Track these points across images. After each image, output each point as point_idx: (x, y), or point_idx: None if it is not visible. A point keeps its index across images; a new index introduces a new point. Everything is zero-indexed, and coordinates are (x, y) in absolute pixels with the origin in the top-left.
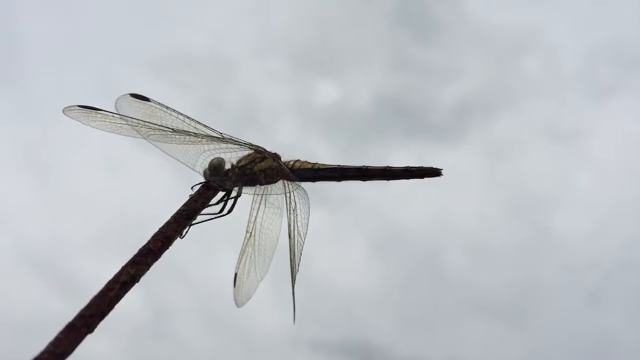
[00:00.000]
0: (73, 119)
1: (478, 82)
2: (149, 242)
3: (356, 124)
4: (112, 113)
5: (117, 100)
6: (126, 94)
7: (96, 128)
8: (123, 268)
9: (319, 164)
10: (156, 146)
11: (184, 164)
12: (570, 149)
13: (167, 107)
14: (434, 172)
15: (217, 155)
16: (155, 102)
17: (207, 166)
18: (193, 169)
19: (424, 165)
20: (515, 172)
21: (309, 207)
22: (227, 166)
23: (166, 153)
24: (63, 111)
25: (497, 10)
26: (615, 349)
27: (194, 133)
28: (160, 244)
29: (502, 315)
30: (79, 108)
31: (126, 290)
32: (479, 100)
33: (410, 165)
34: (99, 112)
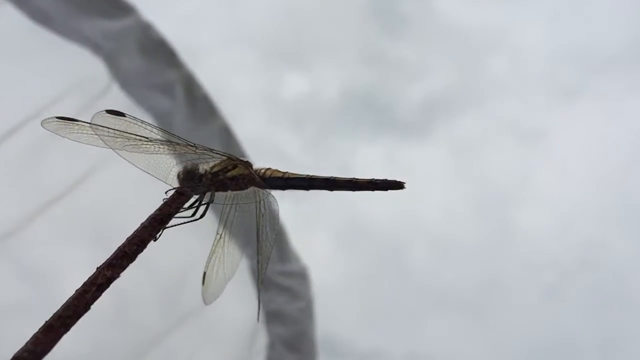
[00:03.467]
0: (51, 131)
1: (445, 80)
2: (124, 246)
3: (324, 117)
4: (89, 124)
5: (93, 117)
6: (102, 111)
7: (74, 140)
8: (99, 270)
9: (289, 173)
10: (130, 161)
11: (157, 177)
12: (534, 149)
13: (142, 121)
14: (397, 185)
15: (190, 162)
16: (130, 116)
17: (181, 172)
18: (165, 182)
19: (388, 179)
20: (479, 170)
21: (278, 214)
22: (200, 172)
23: (140, 168)
24: (41, 123)
25: (466, 10)
26: (573, 346)
27: (168, 142)
28: (135, 248)
29: (463, 311)
30: (57, 120)
31: (102, 292)
32: (446, 97)
33: (375, 178)
34: (76, 123)
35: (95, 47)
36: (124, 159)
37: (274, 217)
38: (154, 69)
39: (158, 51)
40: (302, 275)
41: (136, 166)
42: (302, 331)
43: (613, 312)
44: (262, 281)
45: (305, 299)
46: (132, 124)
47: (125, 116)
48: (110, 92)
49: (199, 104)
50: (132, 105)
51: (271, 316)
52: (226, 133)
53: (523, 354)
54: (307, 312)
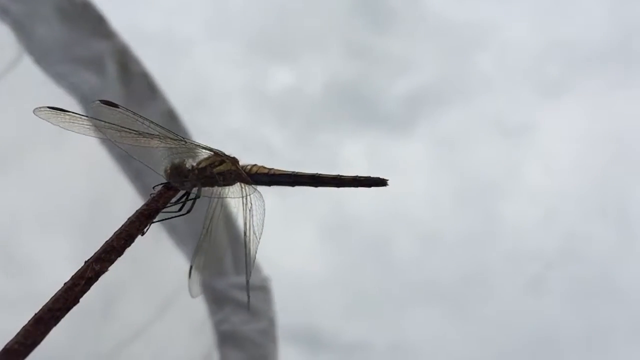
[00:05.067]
0: (43, 119)
1: (431, 74)
2: (112, 240)
3: (309, 111)
4: (80, 115)
5: (88, 106)
6: (96, 101)
7: (65, 129)
8: (88, 264)
9: (275, 170)
10: (122, 148)
11: (147, 165)
12: (519, 143)
13: (134, 113)
14: (381, 182)
15: (178, 157)
16: (123, 108)
17: (168, 167)
18: (156, 172)
19: (371, 176)
20: (464, 164)
21: (264, 209)
22: (188, 167)
23: (131, 155)
24: (34, 111)
25: (452, 5)
26: (556, 337)
27: (158, 136)
28: (123, 242)
29: (448, 302)
30: (48, 109)
31: (90, 285)
32: (431, 92)
33: (359, 175)
34: (67, 113)
35: (1, 11)
36: (120, 147)
37: (260, 212)
38: (77, 39)
39: (82, 17)
40: (263, 289)
41: (130, 154)
42: (263, 356)
43: (596, 304)
44: (250, 274)
45: (266, 317)
46: (124, 115)
47: (118, 107)
48: (20, 67)
49: (136, 82)
50: (49, 83)
51: (225, 338)
52: (170, 118)
53: (507, 345)
54: (269, 334)
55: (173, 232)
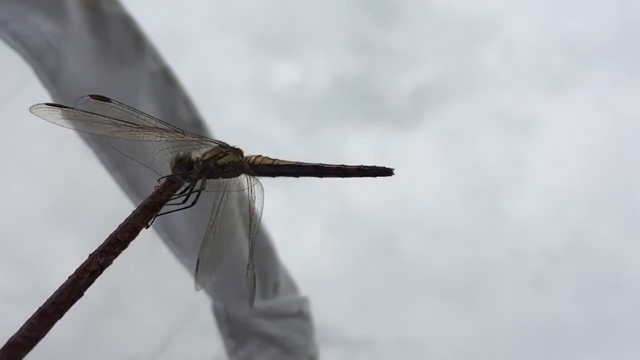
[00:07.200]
0: (40, 116)
1: (436, 69)
2: (116, 233)
3: (314, 107)
4: (76, 110)
5: (76, 102)
6: (86, 96)
7: (62, 125)
8: (92, 257)
9: (279, 160)
10: (117, 149)
11: (144, 164)
12: (524, 138)
13: (128, 107)
14: (386, 172)
15: (182, 150)
16: (115, 102)
17: (172, 160)
18: (151, 168)
19: (377, 165)
20: (470, 158)
21: (263, 201)
22: (192, 160)
23: (127, 155)
24: (30, 109)
25: None
26: (561, 333)
27: (157, 129)
28: (127, 235)
29: (454, 297)
30: (45, 106)
31: (95, 278)
32: (437, 86)
33: (364, 164)
34: (63, 109)
35: None
36: (113, 146)
37: (260, 204)
38: None
39: None
40: (300, 316)
41: (122, 153)
42: None
43: (601, 299)
44: (253, 266)
45: (305, 355)
46: (118, 109)
47: (111, 102)
48: None
49: (113, 30)
50: None
51: None
52: (165, 80)
53: (512, 341)
54: None
55: (172, 242)
